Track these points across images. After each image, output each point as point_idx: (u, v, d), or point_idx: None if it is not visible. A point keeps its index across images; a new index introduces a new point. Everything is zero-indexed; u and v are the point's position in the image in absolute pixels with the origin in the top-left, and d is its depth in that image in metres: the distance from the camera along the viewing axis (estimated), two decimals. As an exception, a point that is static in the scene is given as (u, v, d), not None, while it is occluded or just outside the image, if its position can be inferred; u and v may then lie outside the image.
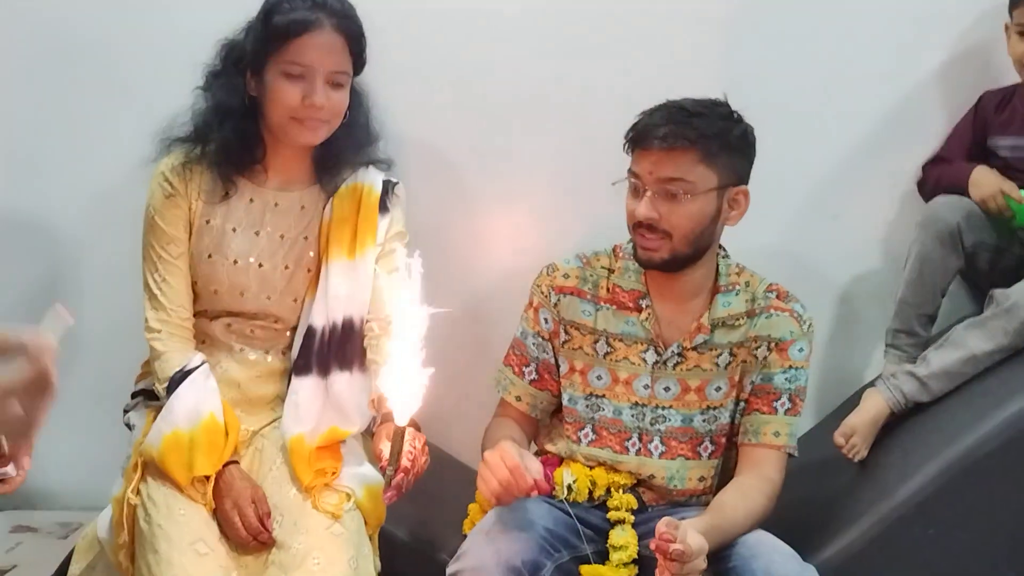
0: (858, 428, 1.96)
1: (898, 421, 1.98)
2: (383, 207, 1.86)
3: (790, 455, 1.77)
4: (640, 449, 1.80)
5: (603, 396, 1.81)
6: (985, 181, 2.07)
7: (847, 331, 2.38)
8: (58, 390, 1.71)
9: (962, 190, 2.09)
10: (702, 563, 1.50)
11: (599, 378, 1.81)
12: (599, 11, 2.27)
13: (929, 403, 1.96)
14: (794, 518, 1.79)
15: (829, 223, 2.35)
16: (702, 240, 1.72)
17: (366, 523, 1.73)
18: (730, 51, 2.28)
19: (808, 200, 2.35)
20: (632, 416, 1.80)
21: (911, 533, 1.82)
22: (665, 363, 1.78)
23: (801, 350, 1.78)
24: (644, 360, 1.79)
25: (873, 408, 1.97)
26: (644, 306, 1.78)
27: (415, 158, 2.27)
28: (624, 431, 1.81)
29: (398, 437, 1.45)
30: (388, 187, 1.89)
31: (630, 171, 1.73)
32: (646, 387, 1.79)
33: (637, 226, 1.71)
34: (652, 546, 1.49)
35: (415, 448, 1.54)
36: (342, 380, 1.81)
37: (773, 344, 1.77)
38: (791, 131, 2.27)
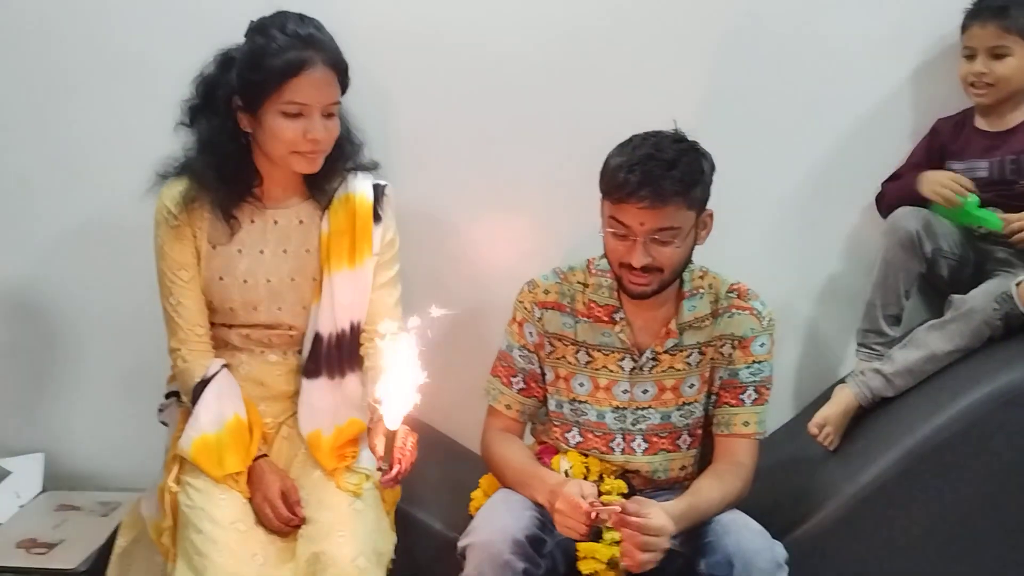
0: (830, 419, 2.09)
1: (866, 413, 2.09)
2: (376, 216, 1.92)
3: (760, 438, 1.89)
4: (624, 448, 1.92)
5: (585, 402, 1.92)
6: (932, 176, 2.14)
7: (822, 330, 2.47)
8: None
9: (916, 196, 2.16)
10: (664, 542, 1.63)
11: (581, 385, 1.92)
12: (596, 29, 2.33)
13: (893, 397, 2.07)
14: (770, 500, 1.92)
15: (806, 231, 2.42)
16: (684, 265, 1.84)
17: (383, 501, 1.87)
18: (716, 71, 2.36)
19: (786, 210, 2.42)
20: (615, 419, 1.91)
21: (873, 513, 1.93)
22: (641, 368, 1.89)
23: (763, 344, 1.87)
24: (622, 367, 1.89)
25: (843, 401, 2.10)
26: (618, 319, 1.88)
27: (422, 167, 2.36)
28: (608, 433, 1.92)
29: (390, 437, 1.57)
30: (378, 192, 1.94)
31: (612, 218, 1.76)
32: (625, 392, 1.90)
33: (627, 267, 1.77)
34: (612, 521, 1.63)
35: (407, 443, 1.61)
36: (354, 380, 1.92)
37: (736, 341, 1.87)
38: (771, 146, 2.37)
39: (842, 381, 2.23)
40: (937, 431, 1.93)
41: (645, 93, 2.37)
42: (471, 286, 2.44)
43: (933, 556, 1.97)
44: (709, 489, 1.80)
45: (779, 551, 1.71)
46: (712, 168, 1.80)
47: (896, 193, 2.24)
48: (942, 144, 2.25)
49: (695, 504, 1.75)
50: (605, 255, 1.86)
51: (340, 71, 1.79)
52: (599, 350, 1.90)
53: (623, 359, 1.89)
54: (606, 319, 1.90)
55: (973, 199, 2.10)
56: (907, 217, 2.14)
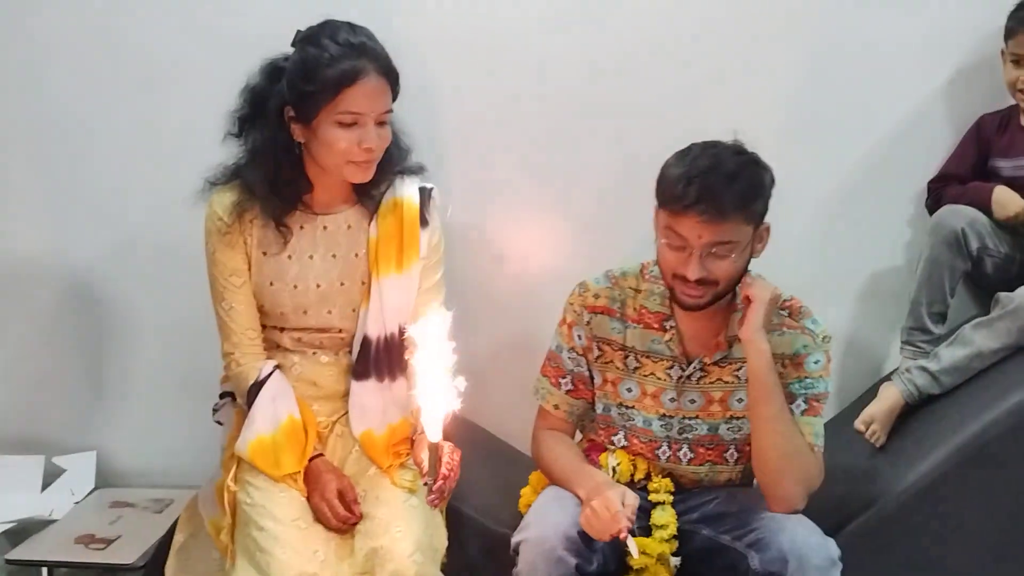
0: (876, 417, 2.11)
1: (912, 411, 2.11)
2: (423, 220, 1.93)
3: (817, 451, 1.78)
4: (670, 456, 1.90)
5: (633, 407, 1.90)
6: (1010, 201, 2.16)
7: (864, 328, 2.48)
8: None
9: (983, 208, 2.18)
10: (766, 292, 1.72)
11: (629, 390, 1.90)
12: (642, 32, 2.37)
13: (940, 395, 2.09)
14: (818, 497, 1.86)
15: (847, 230, 2.44)
16: (739, 279, 1.79)
17: None
18: (758, 74, 2.38)
19: (828, 210, 2.44)
20: (661, 426, 1.89)
21: (923, 510, 1.94)
22: (689, 377, 1.86)
23: (817, 361, 1.80)
24: (670, 375, 1.87)
25: (890, 399, 2.11)
26: (668, 327, 1.86)
27: (467, 169, 2.40)
28: (654, 440, 1.90)
29: (434, 451, 1.55)
30: (425, 196, 1.94)
31: (669, 229, 1.73)
32: (672, 400, 1.88)
33: (681, 279, 1.74)
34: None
35: (453, 460, 1.59)
36: (403, 382, 1.91)
37: (788, 360, 1.81)
38: (813, 147, 2.39)
39: (887, 379, 2.24)
40: (985, 428, 1.94)
41: (687, 97, 2.40)
42: (517, 287, 2.47)
43: (984, 553, 1.98)
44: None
45: (833, 548, 1.70)
46: (772, 182, 1.76)
47: (962, 200, 2.23)
48: (987, 139, 2.26)
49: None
50: (658, 264, 1.83)
51: (392, 79, 1.80)
52: (647, 356, 1.89)
53: (671, 367, 1.87)
54: (656, 326, 1.88)
55: None
56: (953, 215, 2.15)
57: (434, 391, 1.46)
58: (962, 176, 2.29)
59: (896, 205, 2.43)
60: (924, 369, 2.11)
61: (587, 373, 1.93)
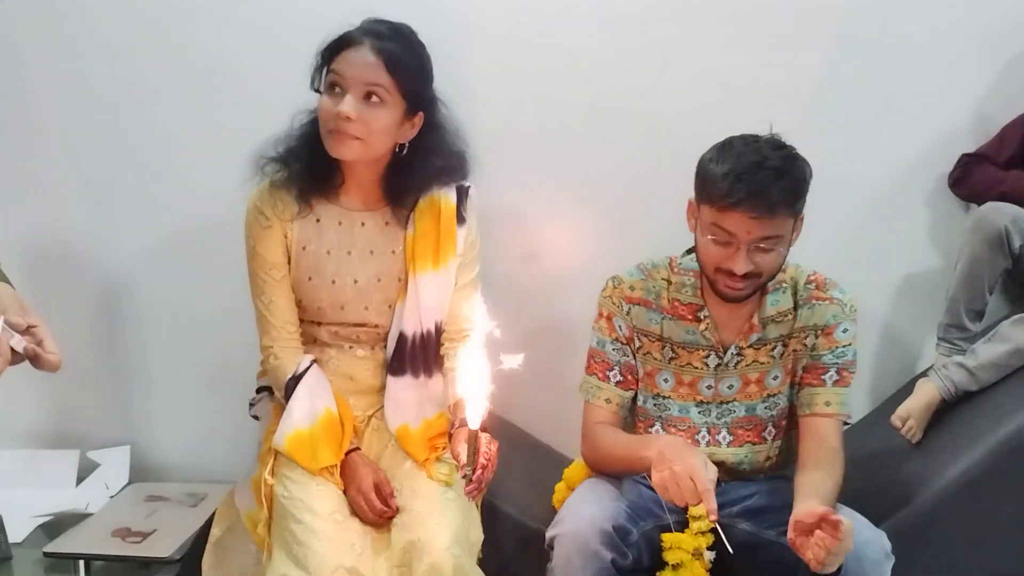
0: (913, 413, 2.10)
1: (949, 408, 2.10)
2: (460, 218, 1.94)
3: (845, 423, 1.86)
4: (709, 441, 1.92)
5: (669, 397, 1.92)
6: None
7: (898, 325, 2.48)
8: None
9: (1018, 199, 2.16)
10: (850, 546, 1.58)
11: (666, 381, 1.92)
12: (669, 25, 2.38)
13: (977, 392, 2.08)
14: (855, 493, 1.88)
15: (882, 225, 2.44)
16: (779, 269, 1.83)
17: None
18: (793, 68, 2.38)
19: (863, 205, 2.44)
20: (699, 413, 1.92)
21: (961, 507, 1.93)
22: (727, 364, 1.89)
23: (846, 330, 1.86)
24: (707, 364, 1.90)
25: (926, 395, 2.10)
26: (703, 317, 1.88)
27: (499, 165, 2.30)
28: (693, 427, 1.92)
29: (473, 440, 1.54)
30: (462, 194, 1.95)
31: (715, 225, 1.74)
32: (709, 387, 1.91)
33: (727, 272, 1.76)
34: (824, 518, 1.55)
35: (491, 450, 1.59)
36: (439, 379, 1.94)
37: (819, 331, 1.87)
38: (848, 141, 2.38)
39: (923, 375, 2.23)
40: (1022, 426, 1.92)
41: (717, 91, 2.39)
42: (549, 283, 2.48)
43: (1020, 551, 1.96)
44: (822, 481, 1.76)
45: (885, 541, 1.71)
46: (811, 175, 1.79)
47: (999, 190, 2.23)
48: None
49: (825, 501, 1.70)
50: (698, 259, 1.84)
51: (391, 59, 1.77)
52: (684, 347, 1.91)
53: (708, 356, 1.90)
54: (690, 317, 1.90)
55: None
56: (995, 213, 2.14)
57: (475, 381, 1.45)
58: (997, 162, 2.28)
59: (932, 201, 2.43)
60: (961, 365, 2.10)
61: (633, 362, 1.93)
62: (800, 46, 2.38)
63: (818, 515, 1.58)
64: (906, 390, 2.21)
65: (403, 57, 1.80)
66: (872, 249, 2.46)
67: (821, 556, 1.58)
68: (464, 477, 1.59)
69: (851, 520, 1.60)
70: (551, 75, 2.41)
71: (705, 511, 1.77)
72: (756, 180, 1.69)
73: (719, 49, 2.39)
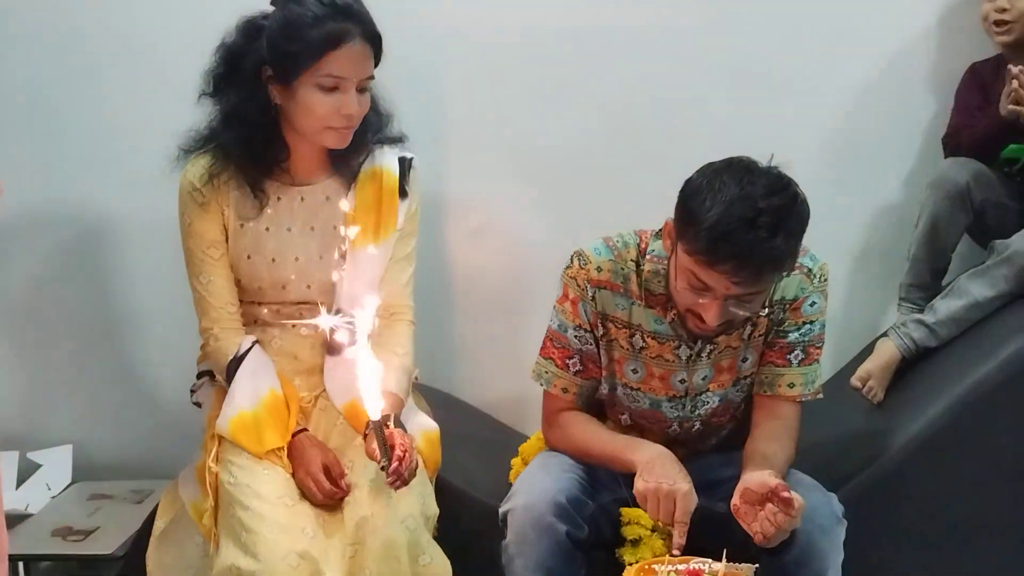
0: (873, 373, 2.07)
1: (909, 365, 2.08)
2: (402, 191, 1.90)
3: (810, 399, 1.77)
4: (679, 433, 1.85)
5: (638, 389, 1.82)
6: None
7: (858, 288, 2.46)
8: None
9: (1001, 124, 2.08)
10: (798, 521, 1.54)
11: (635, 371, 1.81)
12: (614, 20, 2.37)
13: (937, 348, 2.06)
14: (817, 456, 1.89)
15: (836, 188, 2.39)
16: None
17: (425, 466, 1.83)
18: (735, 28, 2.36)
19: (815, 168, 2.35)
20: (671, 407, 1.82)
21: (923, 464, 1.91)
22: (699, 355, 1.78)
23: (813, 303, 1.75)
24: (678, 356, 1.77)
25: (886, 354, 2.08)
26: (671, 307, 1.75)
27: (444, 141, 2.38)
28: (664, 420, 1.83)
29: (379, 432, 1.53)
30: (405, 166, 1.91)
31: (692, 274, 1.59)
32: (683, 381, 1.79)
33: (699, 316, 1.64)
34: (776, 492, 1.51)
35: (405, 442, 1.60)
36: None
37: (787, 305, 1.75)
38: (795, 103, 2.37)
39: (884, 335, 2.20)
40: (984, 379, 1.91)
41: (664, 59, 2.36)
42: (499, 260, 2.44)
43: (984, 505, 1.94)
44: (775, 455, 1.69)
45: (836, 505, 1.67)
46: (809, 214, 1.60)
47: (982, 130, 2.16)
48: (984, 85, 2.22)
49: (776, 472, 1.63)
50: (668, 285, 1.72)
51: (376, 44, 1.76)
52: (653, 337, 1.78)
53: (679, 347, 1.78)
54: (659, 307, 1.77)
55: None
56: (956, 168, 2.12)
57: (369, 375, 1.47)
58: (973, 125, 2.22)
59: (883, 161, 2.41)
60: (920, 322, 2.08)
61: (595, 351, 1.82)
62: (744, 15, 2.36)
63: (770, 488, 1.53)
64: (868, 351, 2.19)
65: (379, 35, 1.76)
66: (825, 212, 2.30)
67: (770, 532, 1.52)
68: (383, 469, 1.59)
69: (803, 499, 1.54)
70: (499, 49, 2.38)
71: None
72: (744, 241, 1.50)
73: (656, 12, 2.37)
